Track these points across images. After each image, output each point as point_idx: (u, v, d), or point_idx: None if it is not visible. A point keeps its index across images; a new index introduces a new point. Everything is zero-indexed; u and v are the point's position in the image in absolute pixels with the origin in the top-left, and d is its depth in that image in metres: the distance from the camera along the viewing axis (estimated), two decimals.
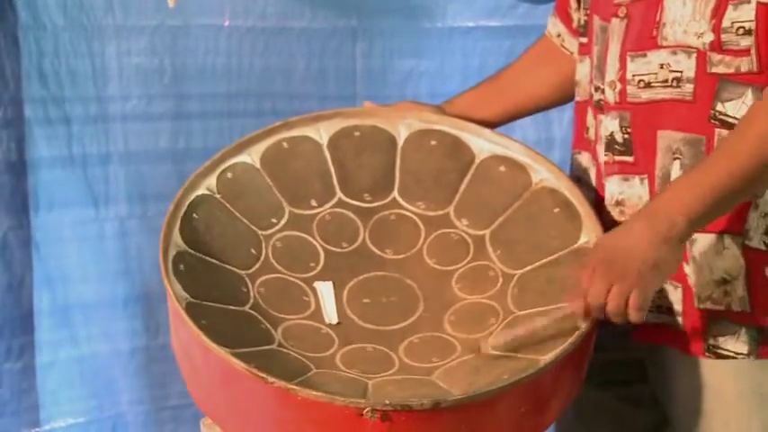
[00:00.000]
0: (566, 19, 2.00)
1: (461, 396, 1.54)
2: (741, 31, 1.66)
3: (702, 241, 1.73)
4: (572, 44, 1.98)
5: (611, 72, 1.78)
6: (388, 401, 1.51)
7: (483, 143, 1.95)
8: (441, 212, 1.92)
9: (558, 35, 2.02)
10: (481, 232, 1.89)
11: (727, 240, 1.72)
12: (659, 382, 1.86)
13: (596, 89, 1.83)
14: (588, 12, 1.88)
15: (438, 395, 1.57)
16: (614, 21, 1.78)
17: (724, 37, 1.67)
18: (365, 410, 1.50)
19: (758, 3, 1.65)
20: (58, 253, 2.51)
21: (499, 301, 1.79)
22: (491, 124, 2.00)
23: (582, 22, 1.91)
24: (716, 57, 1.68)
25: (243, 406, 1.62)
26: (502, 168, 1.93)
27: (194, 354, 1.66)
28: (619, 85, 1.78)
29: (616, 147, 1.80)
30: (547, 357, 1.60)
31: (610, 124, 1.80)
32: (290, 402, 1.54)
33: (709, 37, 1.68)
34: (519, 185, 1.90)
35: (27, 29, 2.38)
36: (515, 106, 2.06)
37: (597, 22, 1.83)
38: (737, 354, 1.75)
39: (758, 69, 1.67)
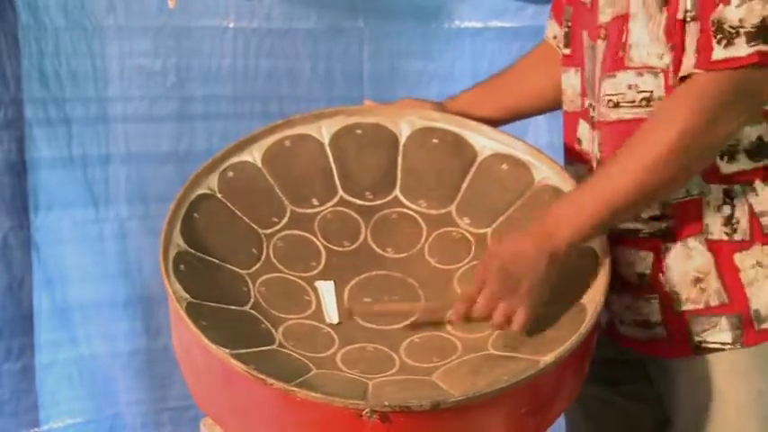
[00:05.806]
0: (561, 21, 1.99)
1: (461, 397, 1.53)
2: None
3: (673, 250, 1.74)
4: None
5: (596, 92, 1.79)
6: (387, 402, 1.50)
7: (485, 141, 1.94)
8: (442, 211, 1.91)
9: (555, 37, 2.01)
10: (483, 231, 1.87)
11: (692, 242, 1.73)
12: (660, 379, 1.85)
13: (590, 106, 1.84)
14: (570, 24, 1.89)
15: (438, 396, 1.55)
16: (599, 42, 1.79)
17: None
18: (364, 411, 1.49)
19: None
20: (57, 254, 2.51)
21: None
22: (493, 122, 1.98)
23: (564, 33, 1.92)
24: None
25: (243, 406, 1.61)
26: (504, 166, 1.91)
27: (195, 354, 1.65)
28: (595, 105, 1.79)
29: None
30: (547, 358, 1.58)
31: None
32: (290, 403, 1.53)
33: (668, 58, 1.67)
34: (521, 184, 1.89)
35: (28, 29, 2.39)
36: (517, 105, 2.05)
37: (587, 40, 1.83)
38: (723, 344, 1.75)
39: None
